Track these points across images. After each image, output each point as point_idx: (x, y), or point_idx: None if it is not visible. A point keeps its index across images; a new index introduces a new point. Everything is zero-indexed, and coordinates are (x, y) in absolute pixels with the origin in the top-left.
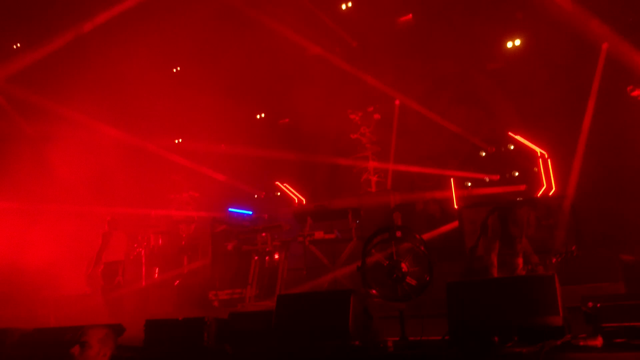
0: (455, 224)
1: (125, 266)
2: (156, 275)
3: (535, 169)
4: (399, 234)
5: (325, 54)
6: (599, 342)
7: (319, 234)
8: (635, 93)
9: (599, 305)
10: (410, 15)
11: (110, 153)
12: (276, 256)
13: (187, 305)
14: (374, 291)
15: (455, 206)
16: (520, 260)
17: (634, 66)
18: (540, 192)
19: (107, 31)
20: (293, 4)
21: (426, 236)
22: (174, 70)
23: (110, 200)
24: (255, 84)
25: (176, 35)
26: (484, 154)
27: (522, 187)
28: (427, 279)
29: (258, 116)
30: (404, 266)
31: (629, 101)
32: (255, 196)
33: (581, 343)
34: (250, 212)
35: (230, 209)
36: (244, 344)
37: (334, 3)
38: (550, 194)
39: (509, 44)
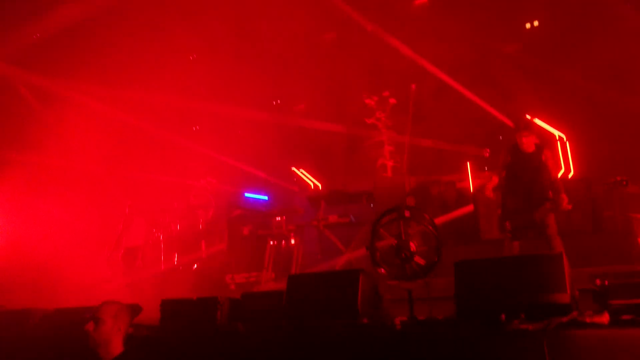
0: (470, 207)
1: (145, 251)
2: (175, 259)
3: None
4: (407, 213)
5: (340, 38)
6: (605, 318)
7: (333, 218)
8: None
9: (606, 282)
10: None
11: (129, 139)
12: (292, 240)
13: (204, 289)
14: (382, 270)
15: (472, 190)
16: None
17: None
18: (559, 175)
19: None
20: None
21: (441, 219)
22: (191, 57)
23: (130, 188)
24: (270, 69)
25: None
26: (501, 137)
27: None
28: (436, 259)
29: (274, 102)
30: (413, 246)
31: None
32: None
33: (587, 320)
34: (266, 197)
35: (246, 194)
36: (256, 322)
37: None
38: (569, 176)
39: (527, 25)
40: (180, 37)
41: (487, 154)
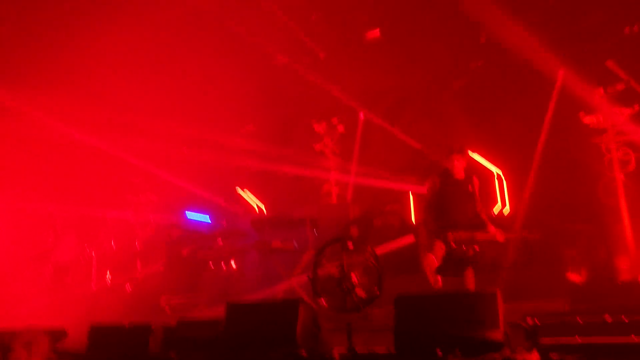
0: (411, 238)
1: (75, 268)
2: (108, 279)
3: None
4: (350, 245)
5: (292, 63)
6: (535, 357)
7: (276, 243)
8: (587, 120)
9: (537, 321)
10: (378, 30)
11: (64, 151)
12: (232, 264)
13: (138, 312)
14: (323, 301)
15: (413, 221)
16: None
17: (586, 94)
18: (496, 210)
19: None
20: (262, 10)
21: (383, 249)
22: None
23: (62, 199)
24: (219, 88)
25: (143, 37)
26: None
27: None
28: (377, 292)
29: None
30: (354, 277)
31: (581, 128)
32: (215, 203)
33: (518, 357)
34: (208, 218)
35: (187, 214)
36: (191, 351)
37: (304, 12)
38: (505, 212)
39: (472, 64)
40: (128, 51)
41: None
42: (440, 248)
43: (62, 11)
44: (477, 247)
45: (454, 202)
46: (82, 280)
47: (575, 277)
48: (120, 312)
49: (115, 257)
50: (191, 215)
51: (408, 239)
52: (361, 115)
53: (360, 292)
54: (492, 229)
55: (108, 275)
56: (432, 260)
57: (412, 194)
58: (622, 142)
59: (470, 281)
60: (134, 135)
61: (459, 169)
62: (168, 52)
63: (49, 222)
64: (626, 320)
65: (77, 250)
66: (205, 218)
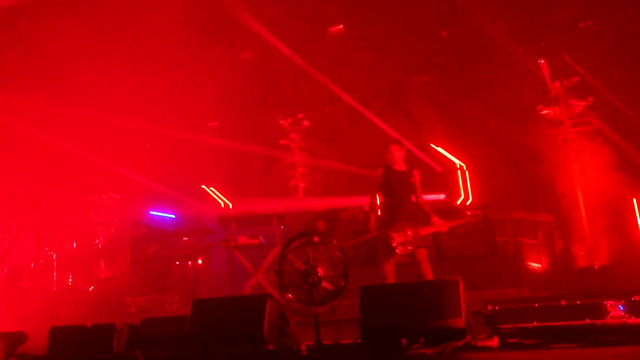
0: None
1: (34, 270)
2: (69, 280)
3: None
4: (316, 239)
5: (256, 58)
6: (495, 342)
7: (243, 239)
8: (545, 112)
9: (497, 308)
10: (342, 25)
11: (21, 149)
12: (199, 261)
13: (102, 314)
14: (290, 295)
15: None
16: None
17: (544, 87)
18: (459, 202)
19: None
20: (226, 5)
21: (350, 243)
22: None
23: (19, 200)
24: (183, 84)
25: (101, 34)
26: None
27: (443, 196)
28: (342, 284)
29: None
30: (320, 271)
31: (539, 119)
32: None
33: (479, 344)
34: (174, 216)
35: (151, 212)
36: (156, 350)
37: (268, 7)
38: (467, 203)
39: (435, 59)
40: (88, 45)
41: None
42: (390, 267)
43: (16, 6)
44: (422, 243)
45: (396, 193)
46: (42, 282)
47: (535, 265)
48: (83, 313)
49: (77, 257)
50: (156, 213)
51: (374, 232)
52: (327, 110)
53: (326, 285)
54: (435, 220)
55: (70, 277)
56: (388, 276)
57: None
58: (578, 133)
59: (424, 273)
60: (95, 133)
61: (398, 160)
62: (130, 47)
63: (3, 225)
64: (580, 304)
65: (34, 252)
66: (170, 216)
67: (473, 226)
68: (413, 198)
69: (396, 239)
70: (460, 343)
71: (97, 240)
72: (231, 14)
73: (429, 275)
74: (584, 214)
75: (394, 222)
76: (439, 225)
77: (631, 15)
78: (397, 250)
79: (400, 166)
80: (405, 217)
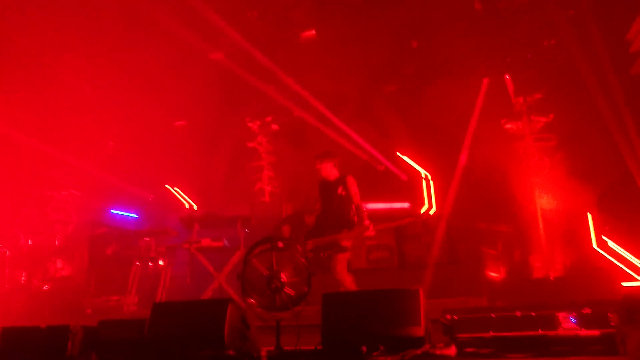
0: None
1: None
2: (23, 279)
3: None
4: (280, 244)
5: (227, 59)
6: (452, 351)
7: (206, 242)
8: (507, 126)
9: (455, 317)
10: (314, 30)
11: None
12: (160, 263)
13: (57, 314)
14: (252, 300)
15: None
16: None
17: (507, 101)
18: (423, 210)
19: None
20: (197, 4)
21: (310, 245)
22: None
23: None
24: (154, 83)
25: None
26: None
27: (407, 205)
28: (305, 290)
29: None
30: (284, 276)
31: (502, 132)
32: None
33: (437, 352)
34: (136, 215)
35: (112, 211)
36: (113, 353)
37: (239, 9)
38: (431, 212)
39: (405, 69)
40: (53, 38)
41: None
42: None
43: None
44: (337, 249)
45: (323, 204)
46: None
47: (494, 275)
48: (37, 314)
49: (32, 255)
50: (117, 212)
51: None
52: (295, 114)
53: (289, 291)
54: (366, 223)
55: (23, 275)
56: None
57: None
58: (538, 148)
59: (338, 280)
60: (57, 127)
61: (324, 173)
62: (97, 41)
63: None
64: (534, 315)
65: None
66: (131, 215)
67: (416, 226)
68: (340, 206)
69: (309, 246)
70: (419, 351)
71: (54, 238)
72: (202, 12)
73: (346, 282)
74: (541, 225)
75: (314, 230)
76: (363, 229)
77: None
78: (309, 255)
79: (331, 177)
80: (326, 225)
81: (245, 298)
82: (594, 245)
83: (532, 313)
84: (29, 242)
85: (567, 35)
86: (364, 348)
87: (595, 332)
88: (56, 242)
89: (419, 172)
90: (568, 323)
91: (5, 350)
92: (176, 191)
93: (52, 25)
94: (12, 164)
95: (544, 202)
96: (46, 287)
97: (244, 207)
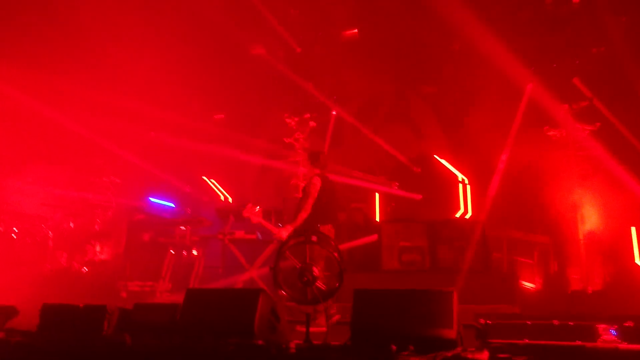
0: (374, 237)
1: (28, 246)
2: (63, 260)
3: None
4: (314, 238)
5: (268, 55)
6: (484, 356)
7: (240, 233)
8: (551, 134)
9: (489, 322)
10: (356, 30)
11: (30, 127)
12: (194, 252)
13: (93, 296)
14: (283, 292)
15: (378, 220)
16: None
17: (552, 108)
18: (458, 215)
19: None
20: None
21: (346, 246)
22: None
23: (21, 176)
24: (196, 76)
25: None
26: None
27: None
28: (337, 285)
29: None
30: (316, 270)
31: (545, 140)
32: (182, 188)
33: (469, 356)
34: (173, 204)
35: (150, 199)
36: (146, 335)
37: (283, 5)
38: (467, 217)
39: (445, 71)
40: (100, 27)
41: (396, 187)
42: None
43: None
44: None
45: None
46: (35, 259)
47: (528, 285)
48: (74, 294)
49: (73, 238)
50: (155, 200)
51: (371, 238)
52: (333, 113)
53: (320, 285)
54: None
55: (64, 257)
56: None
57: (378, 194)
58: (582, 157)
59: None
60: (100, 115)
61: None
62: (143, 33)
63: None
64: (572, 325)
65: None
66: (169, 204)
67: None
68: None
69: None
70: (450, 354)
71: (95, 223)
72: (246, 8)
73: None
74: (581, 238)
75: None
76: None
77: None
78: None
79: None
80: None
81: (277, 290)
82: (637, 260)
83: (570, 323)
84: (71, 225)
85: (618, 42)
86: (394, 347)
87: (636, 347)
88: (96, 227)
89: (455, 176)
90: (608, 335)
91: (45, 325)
92: (212, 183)
93: (100, 14)
94: (59, 150)
95: (584, 213)
96: (85, 269)
97: (278, 202)
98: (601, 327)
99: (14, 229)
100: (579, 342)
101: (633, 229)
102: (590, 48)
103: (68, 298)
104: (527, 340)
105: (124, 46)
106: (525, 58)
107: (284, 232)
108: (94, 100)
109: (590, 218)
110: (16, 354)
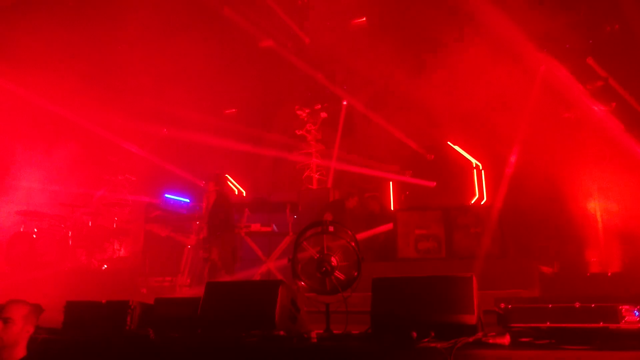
0: (390, 226)
1: (48, 246)
2: (83, 258)
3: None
4: (331, 228)
5: (277, 47)
6: (506, 340)
7: (256, 226)
8: (566, 115)
9: (509, 306)
10: (365, 18)
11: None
12: None
13: (113, 292)
14: (302, 283)
15: (392, 208)
16: None
17: (566, 90)
18: (473, 201)
19: None
20: None
21: (364, 235)
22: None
23: (38, 176)
24: (203, 70)
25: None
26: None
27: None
28: (355, 274)
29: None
30: (334, 260)
31: (560, 122)
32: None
33: (490, 341)
34: (188, 200)
35: (166, 195)
36: (168, 329)
37: None
38: (482, 203)
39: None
40: (112, 25)
41: (409, 175)
42: None
43: None
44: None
45: None
46: (56, 258)
47: (547, 268)
48: (95, 291)
49: (92, 236)
50: (171, 196)
51: (387, 226)
52: (344, 103)
53: (339, 275)
54: None
55: (84, 255)
56: None
57: (392, 182)
58: (598, 139)
59: None
60: (114, 114)
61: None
62: (153, 30)
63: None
64: (594, 307)
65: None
66: (184, 200)
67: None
68: None
69: None
70: (471, 339)
71: (112, 221)
72: (254, 1)
73: None
74: (599, 219)
75: None
76: None
77: None
78: None
79: None
80: None
81: (296, 281)
82: None
83: (592, 305)
84: (89, 223)
85: (632, 19)
86: (414, 334)
87: None
88: (114, 225)
89: (469, 161)
90: (631, 316)
91: (69, 322)
92: (226, 177)
93: (109, 12)
94: (75, 150)
95: (602, 195)
96: (105, 266)
97: (292, 194)
98: (624, 307)
99: (34, 229)
100: (601, 324)
101: None
102: (604, 26)
103: (89, 295)
104: (549, 323)
105: (136, 44)
106: (538, 38)
107: None
108: (107, 99)
109: (607, 200)
110: (44, 351)
